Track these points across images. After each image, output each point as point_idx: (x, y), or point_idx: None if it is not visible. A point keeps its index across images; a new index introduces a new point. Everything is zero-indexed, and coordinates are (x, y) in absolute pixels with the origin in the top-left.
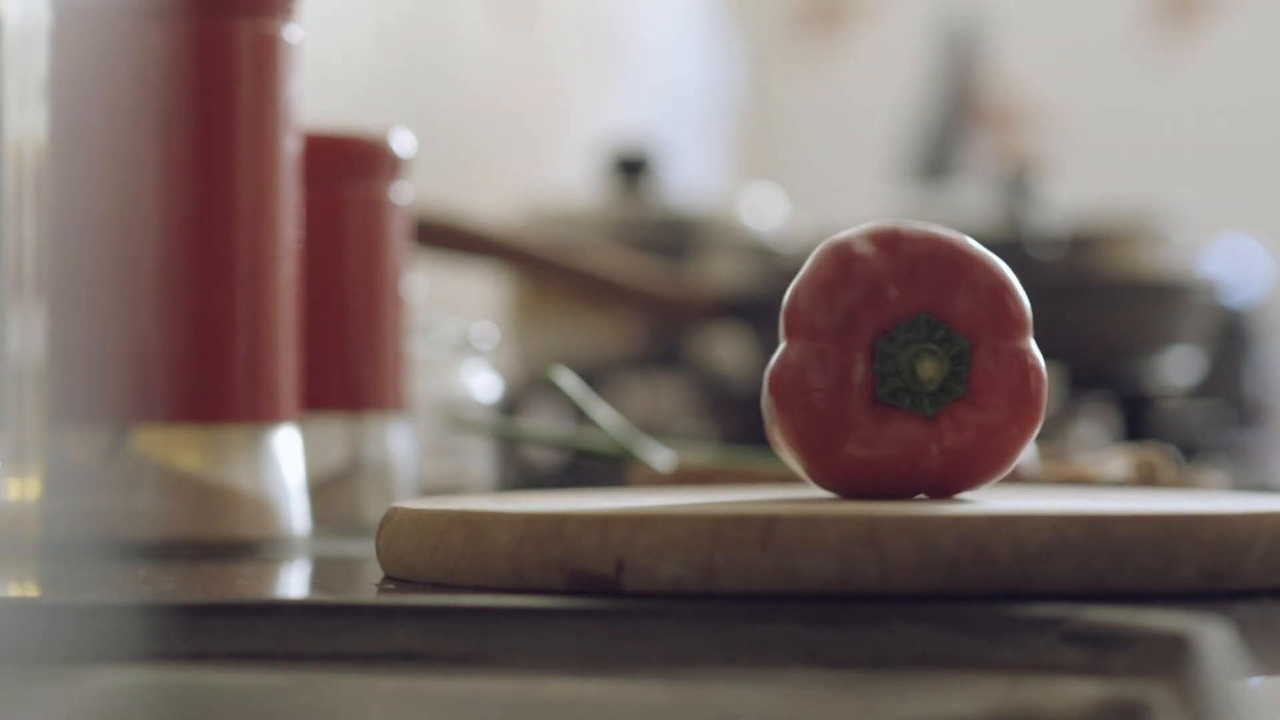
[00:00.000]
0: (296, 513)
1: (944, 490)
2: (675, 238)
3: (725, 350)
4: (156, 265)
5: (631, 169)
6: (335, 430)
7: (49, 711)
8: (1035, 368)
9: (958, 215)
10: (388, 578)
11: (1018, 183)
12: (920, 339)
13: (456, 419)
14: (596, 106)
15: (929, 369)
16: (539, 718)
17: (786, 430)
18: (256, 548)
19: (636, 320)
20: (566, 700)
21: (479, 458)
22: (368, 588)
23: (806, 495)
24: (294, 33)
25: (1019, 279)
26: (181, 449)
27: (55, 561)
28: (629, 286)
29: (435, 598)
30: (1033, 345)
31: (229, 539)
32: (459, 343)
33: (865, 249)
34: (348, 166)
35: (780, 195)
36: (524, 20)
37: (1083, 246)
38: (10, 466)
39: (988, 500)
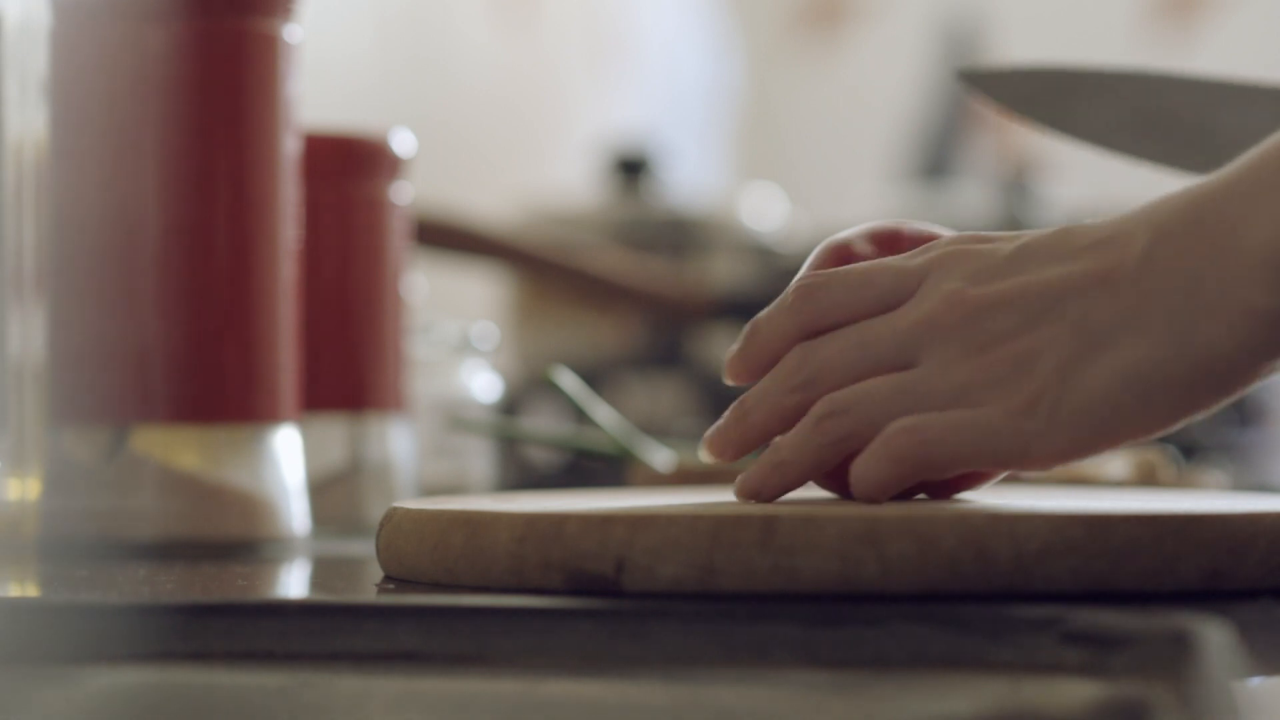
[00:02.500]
0: (296, 513)
1: (945, 489)
2: (675, 238)
3: (725, 350)
4: (156, 265)
5: (631, 169)
6: (335, 430)
7: (49, 711)
8: None
9: (958, 215)
10: (388, 578)
11: (1018, 183)
12: None
13: (456, 419)
14: (596, 106)
15: None
16: (539, 718)
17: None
18: (256, 548)
19: (636, 320)
20: (566, 700)
21: (479, 458)
22: (368, 588)
23: (806, 495)
24: (294, 33)
25: None
26: (181, 449)
27: (55, 561)
28: (629, 286)
29: (435, 598)
30: None
31: (229, 539)
32: (459, 343)
33: (865, 249)
34: (348, 166)
35: (780, 195)
36: (524, 20)
37: None
38: (10, 466)
39: (988, 500)
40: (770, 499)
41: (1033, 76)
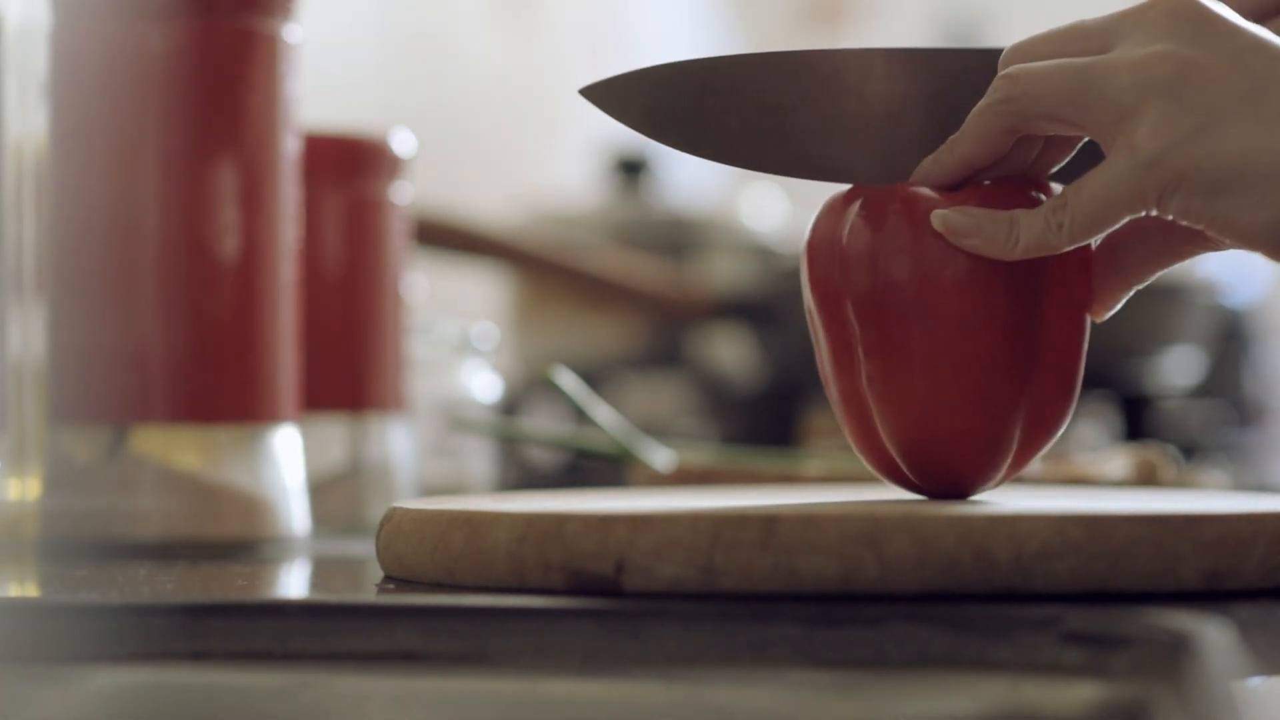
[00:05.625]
0: (296, 513)
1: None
2: (675, 238)
3: (725, 350)
4: (156, 265)
5: (631, 169)
6: (335, 430)
7: (49, 711)
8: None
9: None
10: (388, 578)
11: None
12: None
13: (456, 419)
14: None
15: None
16: (539, 718)
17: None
18: (256, 548)
19: (636, 320)
20: (566, 700)
21: (479, 458)
22: (368, 588)
23: (806, 495)
24: (294, 33)
25: None
26: (181, 449)
27: (55, 561)
28: (629, 286)
29: (435, 598)
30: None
31: (229, 539)
32: (459, 343)
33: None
34: (348, 166)
35: (780, 195)
36: (524, 20)
37: None
38: (10, 466)
39: (988, 500)
40: (942, 180)
41: (655, 84)
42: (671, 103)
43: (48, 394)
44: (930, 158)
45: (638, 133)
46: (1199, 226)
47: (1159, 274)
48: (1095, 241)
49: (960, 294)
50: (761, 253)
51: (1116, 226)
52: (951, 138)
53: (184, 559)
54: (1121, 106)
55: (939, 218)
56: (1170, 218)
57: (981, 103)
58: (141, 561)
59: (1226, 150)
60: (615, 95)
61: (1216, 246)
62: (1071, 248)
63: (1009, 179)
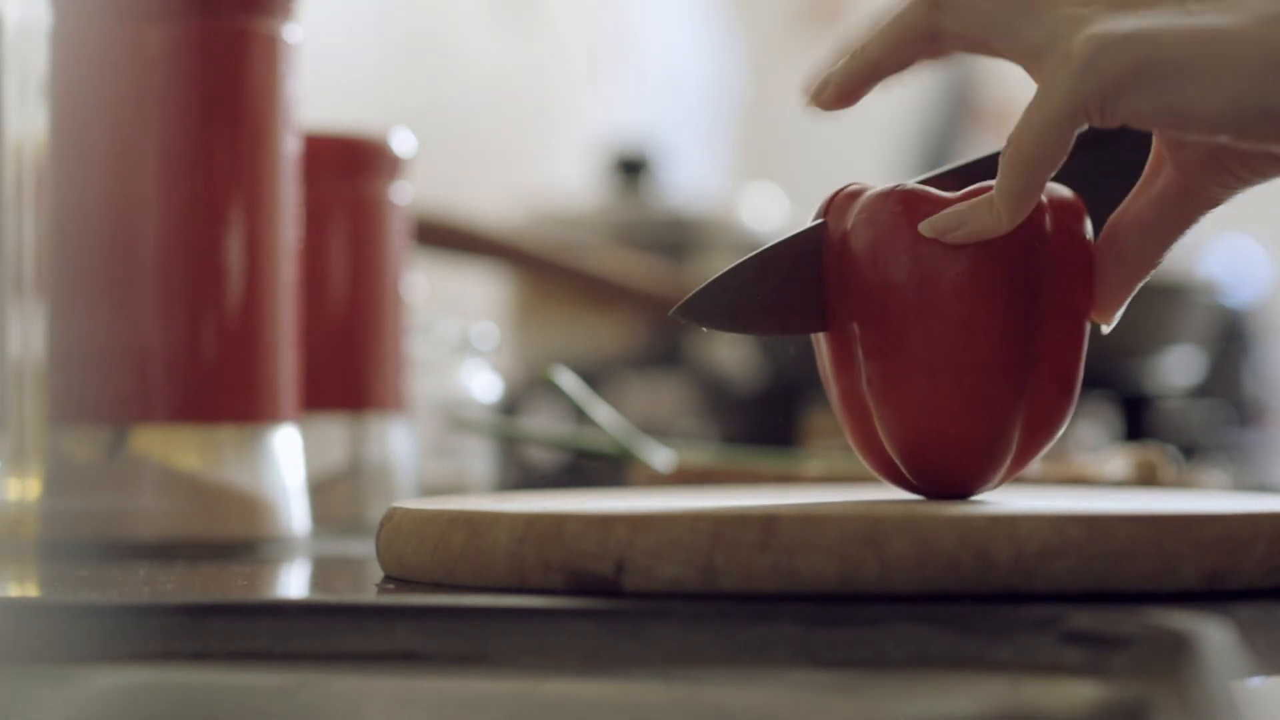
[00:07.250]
0: (296, 513)
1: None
2: (675, 238)
3: (725, 350)
4: (156, 265)
5: (631, 169)
6: (335, 430)
7: (49, 711)
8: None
9: None
10: (388, 578)
11: None
12: None
13: (456, 419)
14: (596, 106)
15: None
16: (539, 718)
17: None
18: (256, 548)
19: (636, 320)
20: (566, 700)
21: (479, 458)
22: (368, 588)
23: (806, 495)
24: (294, 33)
25: None
26: (181, 449)
27: (55, 561)
28: (629, 286)
29: (435, 598)
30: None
31: (229, 539)
32: (459, 343)
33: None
34: (348, 166)
35: (780, 195)
36: (524, 20)
37: None
38: (10, 466)
39: (988, 500)
40: (845, 87)
41: (717, 287)
42: (758, 297)
43: (48, 394)
44: (835, 61)
45: (734, 333)
46: (1156, 126)
47: (1164, 254)
48: (1093, 238)
49: (959, 295)
50: None
51: (1068, 148)
52: (860, 43)
53: (184, 559)
54: (1054, 33)
55: (927, 226)
56: (1121, 123)
57: (907, 4)
58: (141, 561)
59: (1167, 39)
60: (704, 306)
61: (1211, 204)
62: (1046, 184)
63: None
